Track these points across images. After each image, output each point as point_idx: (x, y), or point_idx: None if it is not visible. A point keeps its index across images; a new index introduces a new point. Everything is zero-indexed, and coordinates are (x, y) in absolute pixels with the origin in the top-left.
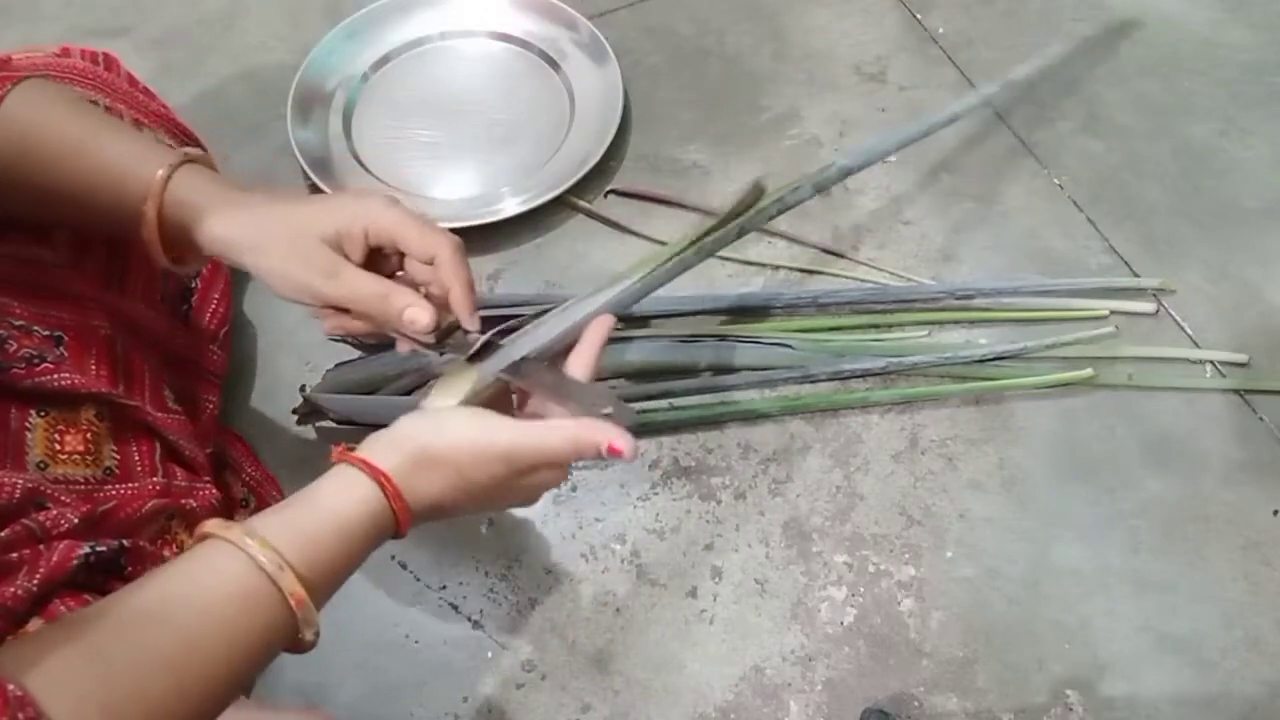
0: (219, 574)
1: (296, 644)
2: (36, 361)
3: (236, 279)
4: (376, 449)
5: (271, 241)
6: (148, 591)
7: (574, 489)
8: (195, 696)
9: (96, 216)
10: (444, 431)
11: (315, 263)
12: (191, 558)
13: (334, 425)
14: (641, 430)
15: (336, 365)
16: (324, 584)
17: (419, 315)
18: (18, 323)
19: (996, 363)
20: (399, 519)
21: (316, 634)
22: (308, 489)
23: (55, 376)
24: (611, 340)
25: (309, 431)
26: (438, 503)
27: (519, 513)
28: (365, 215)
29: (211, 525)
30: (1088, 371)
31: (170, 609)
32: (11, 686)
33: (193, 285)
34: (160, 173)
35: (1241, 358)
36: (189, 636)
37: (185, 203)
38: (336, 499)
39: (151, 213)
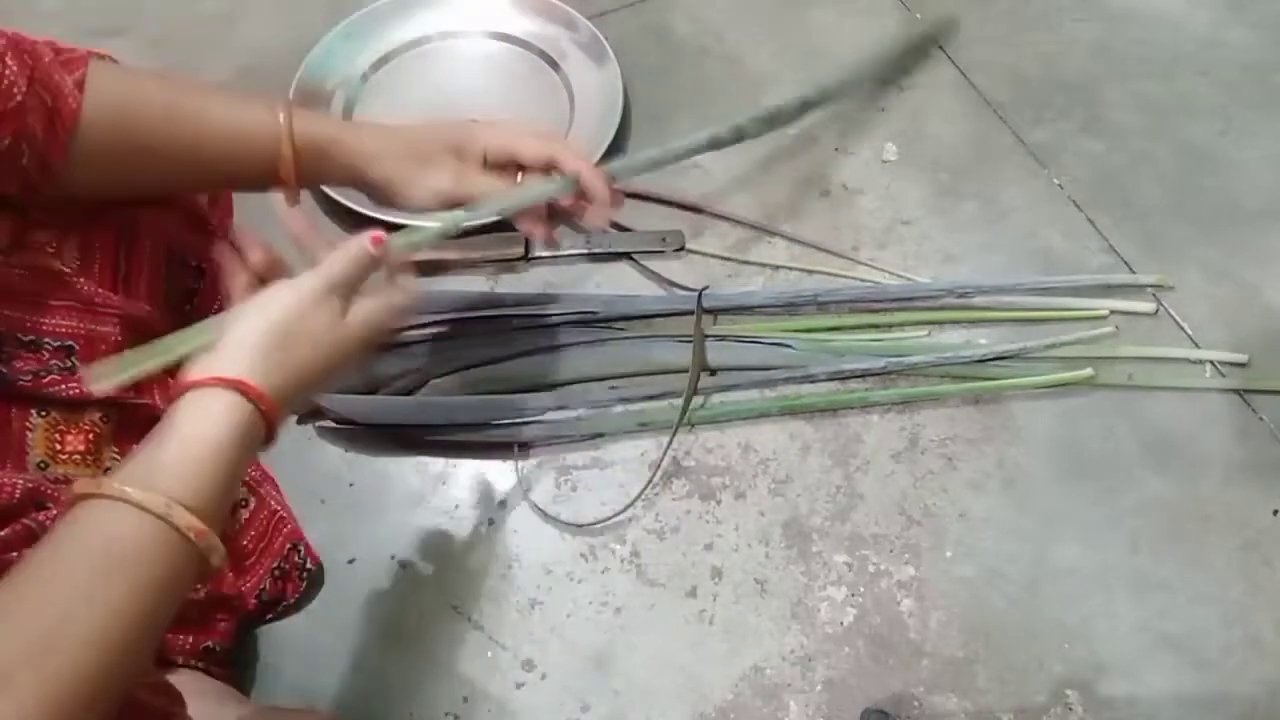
0: (109, 533)
1: (205, 573)
2: (43, 375)
3: None
4: (214, 363)
5: (402, 151)
6: (40, 571)
7: (574, 488)
8: (117, 656)
9: (212, 171)
10: (258, 311)
11: (444, 165)
12: (75, 523)
13: (334, 425)
14: (642, 430)
15: None
16: (215, 506)
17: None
18: (27, 338)
19: (996, 362)
20: (263, 408)
21: (223, 556)
22: (164, 423)
23: (63, 387)
24: (611, 340)
25: (309, 431)
26: (288, 375)
27: (518, 513)
28: (484, 136)
29: (83, 485)
30: (1088, 371)
31: (71, 580)
32: None
33: (196, 286)
34: (281, 116)
35: (1241, 358)
36: (104, 607)
37: (309, 134)
38: (198, 422)
39: (288, 152)
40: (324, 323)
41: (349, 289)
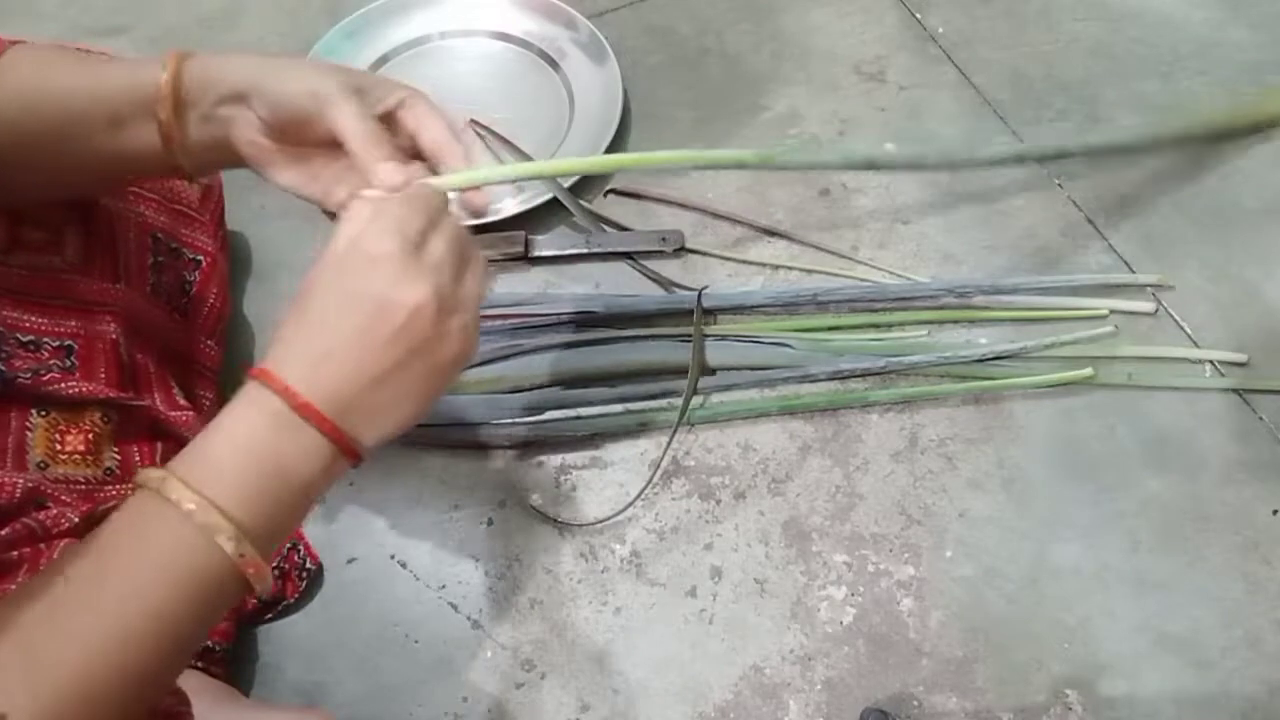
0: (145, 532)
1: (246, 590)
2: (42, 373)
3: (235, 275)
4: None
5: (285, 65)
6: (79, 561)
7: (574, 488)
8: (139, 670)
9: (110, 147)
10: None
11: (332, 76)
12: (138, 523)
13: None
14: (641, 430)
15: None
16: (264, 521)
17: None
18: (26, 338)
19: (996, 362)
20: (313, 417)
21: (269, 585)
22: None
23: (62, 386)
24: (611, 340)
25: None
26: (342, 380)
27: (518, 513)
28: (396, 95)
29: (146, 478)
30: (1087, 370)
31: (100, 575)
32: None
33: (191, 279)
34: (167, 67)
35: (1241, 357)
36: (124, 605)
37: (193, 79)
38: (252, 434)
39: (166, 111)
40: (377, 330)
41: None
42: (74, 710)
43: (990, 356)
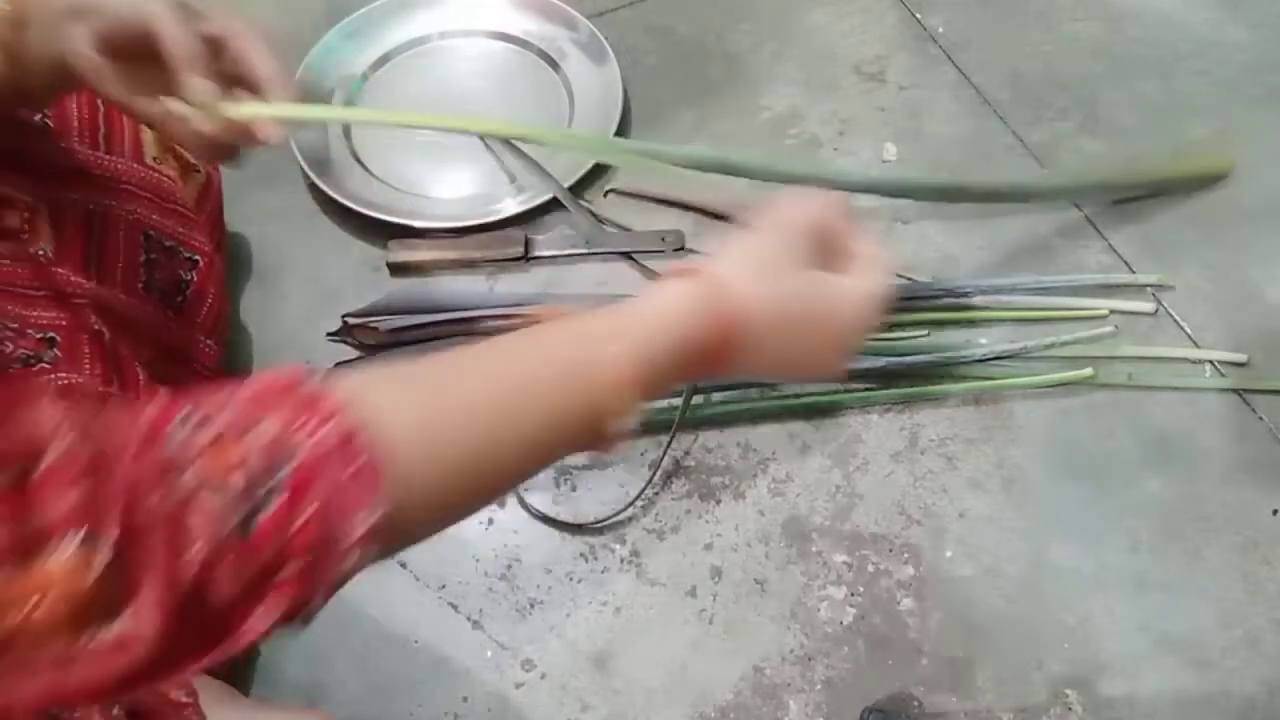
0: (550, 344)
1: (596, 441)
2: (34, 362)
3: (233, 275)
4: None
5: None
6: (485, 347)
7: (574, 488)
8: (498, 457)
9: None
10: (749, 234)
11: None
12: (530, 333)
13: None
14: (642, 430)
15: (336, 364)
16: (647, 388)
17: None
18: (12, 324)
19: (996, 362)
20: (726, 336)
21: (626, 428)
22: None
23: (53, 377)
24: None
25: None
26: (763, 327)
27: (518, 513)
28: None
29: (553, 306)
30: (1087, 370)
31: (502, 361)
32: (339, 394)
33: (188, 278)
34: None
35: (1241, 357)
36: (513, 393)
37: None
38: (681, 322)
39: (7, 31)
40: (818, 305)
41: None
42: (435, 458)
43: (990, 357)
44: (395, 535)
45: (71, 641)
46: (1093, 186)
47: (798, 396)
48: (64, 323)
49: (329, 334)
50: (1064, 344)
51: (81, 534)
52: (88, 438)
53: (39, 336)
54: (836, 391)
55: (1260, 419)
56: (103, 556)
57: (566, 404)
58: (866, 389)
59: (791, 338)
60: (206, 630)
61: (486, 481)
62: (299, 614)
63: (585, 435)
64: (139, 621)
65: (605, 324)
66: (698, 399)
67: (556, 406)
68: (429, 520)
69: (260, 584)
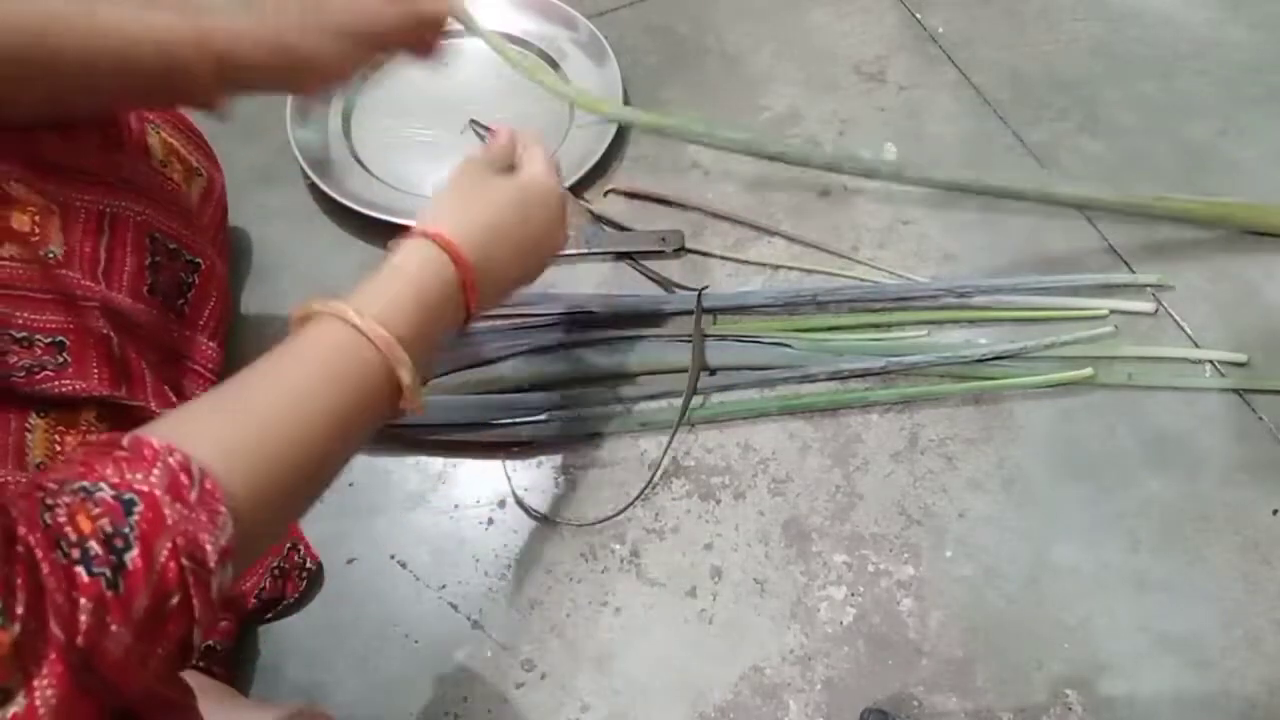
0: (310, 336)
1: (396, 394)
2: (36, 370)
3: (235, 275)
4: (417, 221)
5: None
6: (259, 362)
7: (574, 487)
8: (308, 444)
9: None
10: (446, 182)
11: None
12: (289, 339)
13: None
14: (642, 430)
15: None
16: (405, 328)
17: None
18: (19, 335)
19: (996, 362)
20: (450, 253)
21: (413, 374)
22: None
23: (56, 383)
24: (611, 340)
25: None
26: (474, 229)
27: (518, 513)
28: None
29: (298, 307)
30: (1088, 370)
31: (275, 367)
32: (154, 439)
33: (190, 281)
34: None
35: (1241, 357)
36: (294, 386)
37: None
38: (400, 261)
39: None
40: (495, 184)
41: (504, 164)
42: (254, 465)
43: (990, 357)
44: (247, 543)
45: None
46: (1160, 212)
47: (798, 396)
48: (72, 326)
49: None
50: (1064, 344)
51: None
52: None
53: (48, 341)
54: (837, 391)
55: (1260, 419)
56: (13, 630)
57: (350, 390)
58: (866, 389)
59: (510, 231)
60: (103, 692)
61: (310, 471)
62: (186, 648)
63: (380, 406)
64: (37, 694)
65: (356, 302)
66: (697, 399)
67: (344, 394)
68: (270, 520)
69: (151, 629)
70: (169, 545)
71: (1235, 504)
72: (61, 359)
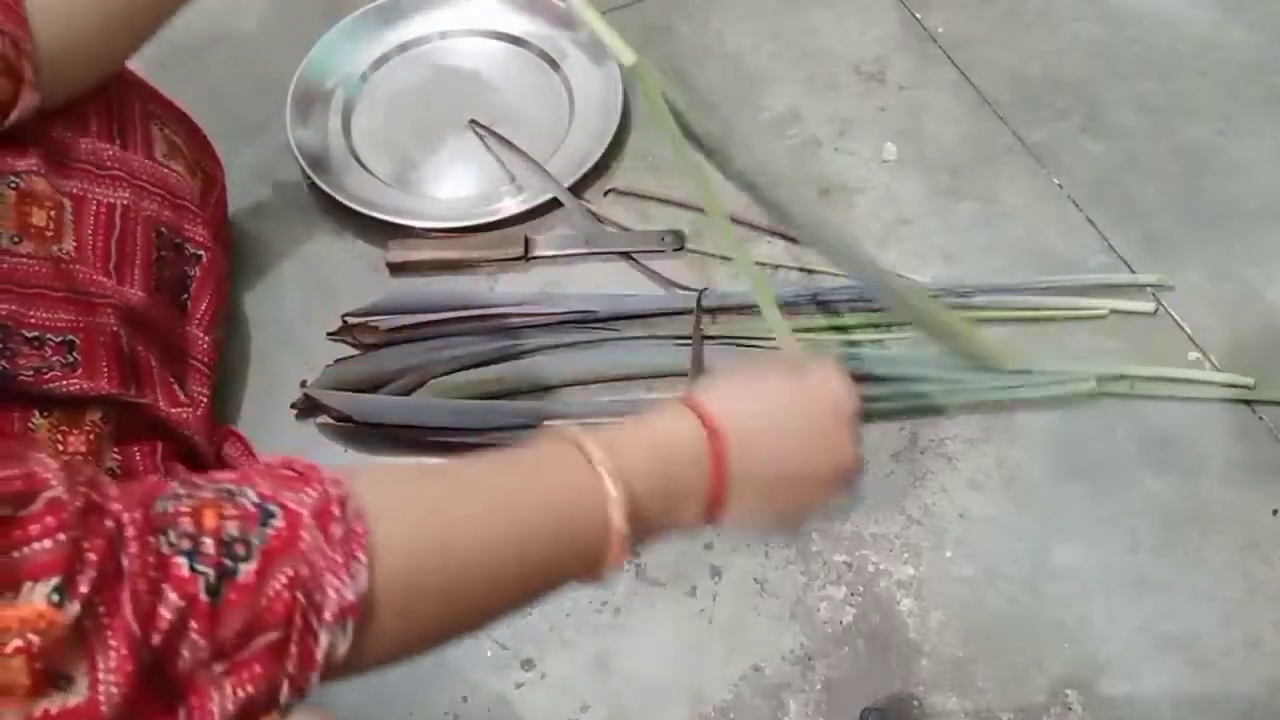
0: (534, 447)
1: (602, 535)
2: (44, 371)
3: (234, 274)
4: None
5: None
6: (484, 465)
7: None
8: (485, 541)
9: None
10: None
11: None
12: (531, 448)
13: (333, 422)
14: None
15: (336, 361)
16: (632, 466)
17: None
18: (31, 334)
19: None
20: (706, 424)
21: (625, 531)
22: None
23: (63, 383)
24: (611, 340)
25: (308, 429)
26: (742, 412)
27: None
28: None
29: (549, 431)
30: (1090, 384)
31: (485, 459)
32: (328, 470)
33: (191, 274)
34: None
35: (1248, 381)
36: (495, 476)
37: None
38: (660, 422)
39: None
40: (776, 375)
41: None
42: (418, 537)
43: (996, 387)
44: (365, 640)
45: (28, 706)
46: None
47: None
48: (83, 325)
49: (329, 333)
50: (1068, 379)
51: (55, 582)
52: (78, 491)
53: (59, 341)
54: None
55: (1260, 419)
56: (72, 609)
57: (557, 558)
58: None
59: (781, 423)
60: (165, 704)
61: (465, 603)
62: (268, 699)
63: (574, 576)
64: (100, 687)
65: (592, 433)
66: None
67: (546, 558)
68: (405, 613)
69: (235, 657)
70: (289, 571)
71: (1235, 504)
72: (71, 358)
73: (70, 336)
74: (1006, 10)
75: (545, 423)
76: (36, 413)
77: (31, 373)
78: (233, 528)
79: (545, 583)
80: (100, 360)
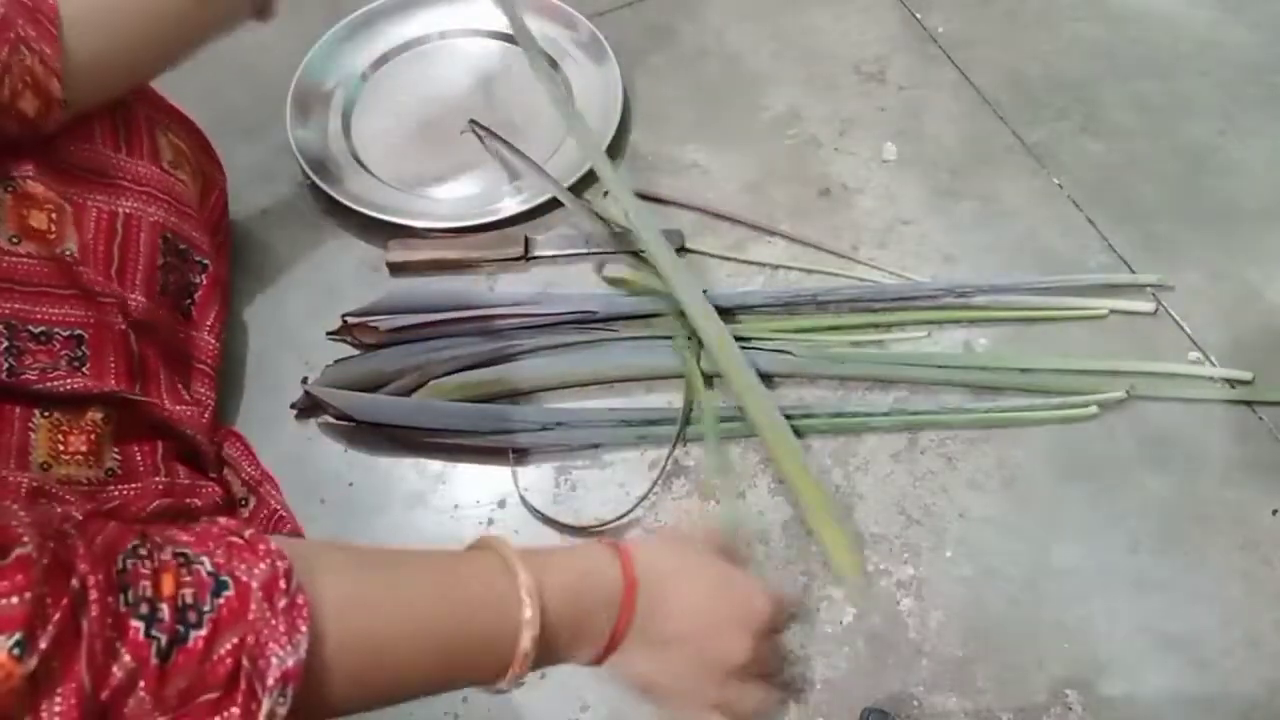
0: (469, 551)
1: (511, 643)
2: (51, 370)
3: (235, 275)
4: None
5: None
6: (424, 557)
7: (574, 488)
8: (410, 635)
9: None
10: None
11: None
12: (464, 551)
13: (333, 421)
14: (643, 437)
15: (336, 361)
16: (551, 590)
17: None
18: (38, 330)
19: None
20: (625, 572)
21: (513, 684)
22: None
23: (67, 382)
24: (610, 341)
25: (309, 430)
26: (662, 572)
27: (518, 513)
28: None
29: (484, 539)
30: (1091, 409)
31: (424, 554)
32: (273, 542)
33: (197, 281)
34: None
35: (1246, 375)
36: (436, 594)
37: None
38: (589, 559)
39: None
40: (707, 552)
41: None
42: (350, 621)
43: (995, 409)
44: (308, 692)
45: None
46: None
47: (799, 401)
48: (92, 321)
49: (329, 333)
50: (1070, 393)
51: (18, 636)
52: (46, 548)
53: (67, 335)
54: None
55: (1260, 419)
56: (31, 663)
57: (467, 662)
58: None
59: (692, 590)
60: None
61: (387, 677)
62: None
63: (476, 681)
64: None
65: (523, 549)
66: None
67: (456, 661)
68: (337, 682)
69: (170, 710)
70: (235, 639)
71: (1235, 504)
72: (80, 353)
73: (79, 331)
74: (1006, 10)
75: (542, 426)
76: (37, 412)
77: (37, 372)
78: (188, 595)
79: (448, 682)
80: (109, 356)
